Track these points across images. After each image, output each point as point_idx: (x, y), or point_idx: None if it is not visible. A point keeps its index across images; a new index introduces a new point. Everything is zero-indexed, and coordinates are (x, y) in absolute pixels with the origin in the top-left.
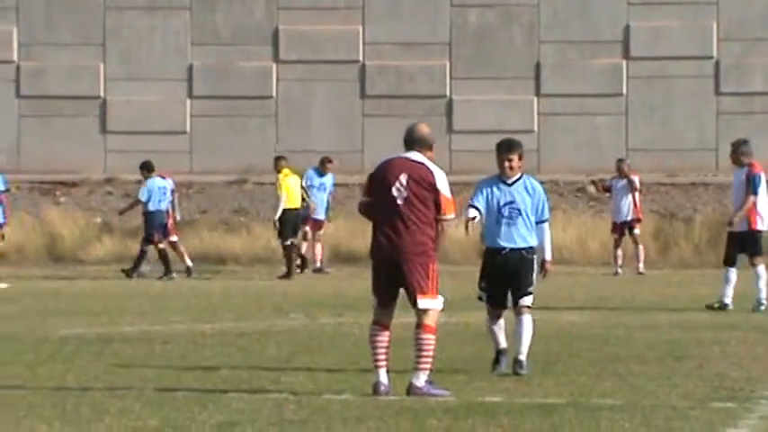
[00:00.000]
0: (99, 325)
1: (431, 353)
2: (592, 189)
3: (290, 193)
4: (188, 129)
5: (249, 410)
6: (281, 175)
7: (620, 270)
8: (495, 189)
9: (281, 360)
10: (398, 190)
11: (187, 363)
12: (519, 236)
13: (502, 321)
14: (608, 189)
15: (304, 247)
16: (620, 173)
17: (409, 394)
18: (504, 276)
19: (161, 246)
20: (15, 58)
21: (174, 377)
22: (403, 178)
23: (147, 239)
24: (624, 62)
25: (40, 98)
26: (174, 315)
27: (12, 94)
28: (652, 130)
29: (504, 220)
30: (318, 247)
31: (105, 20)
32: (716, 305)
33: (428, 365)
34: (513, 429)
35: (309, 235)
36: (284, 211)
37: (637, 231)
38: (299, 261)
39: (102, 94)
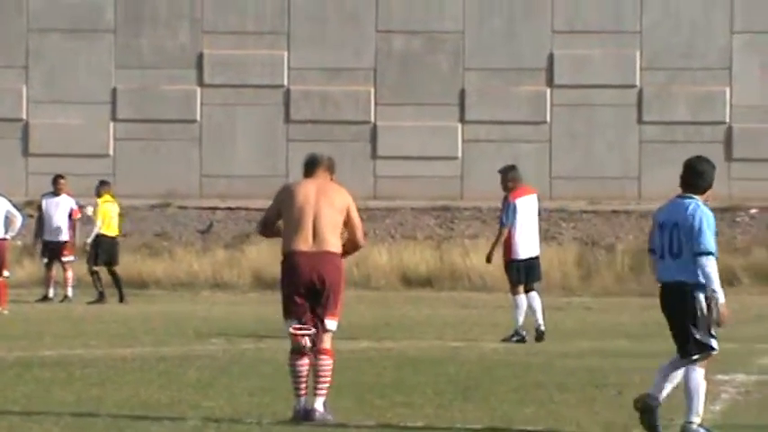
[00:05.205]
0: (18, 349)
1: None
2: None
3: (107, 219)
4: (111, 152)
5: None
6: (100, 200)
7: None
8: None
9: (202, 385)
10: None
11: (107, 387)
12: None
13: None
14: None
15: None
16: None
17: (310, 419)
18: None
19: None
20: None
21: (94, 402)
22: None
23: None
24: (548, 90)
25: None
26: (94, 339)
27: None
28: (575, 157)
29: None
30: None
31: (28, 42)
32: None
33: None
34: None
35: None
36: (99, 236)
37: None
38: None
39: (24, 116)
